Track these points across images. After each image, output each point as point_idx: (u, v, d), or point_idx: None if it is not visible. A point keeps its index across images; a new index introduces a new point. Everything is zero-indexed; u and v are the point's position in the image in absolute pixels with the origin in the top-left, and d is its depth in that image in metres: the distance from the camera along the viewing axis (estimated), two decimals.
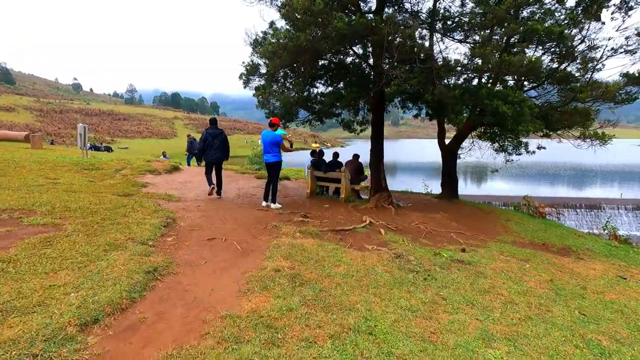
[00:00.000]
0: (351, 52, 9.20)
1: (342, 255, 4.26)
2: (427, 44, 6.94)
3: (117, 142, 57.09)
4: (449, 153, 10.07)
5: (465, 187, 24.52)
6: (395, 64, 6.42)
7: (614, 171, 34.87)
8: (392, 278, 3.62)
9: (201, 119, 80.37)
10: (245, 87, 9.37)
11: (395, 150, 60.98)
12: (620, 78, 8.41)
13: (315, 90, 9.98)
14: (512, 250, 5.27)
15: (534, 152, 10.61)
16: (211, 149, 7.93)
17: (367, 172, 9.73)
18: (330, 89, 10.19)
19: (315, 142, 75.61)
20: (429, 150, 61.03)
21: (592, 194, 23.61)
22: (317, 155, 9.79)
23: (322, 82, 10.11)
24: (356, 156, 9.40)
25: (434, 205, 9.17)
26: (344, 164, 9.27)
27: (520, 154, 10.47)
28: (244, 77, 9.08)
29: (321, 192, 9.48)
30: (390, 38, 6.11)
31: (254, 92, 9.09)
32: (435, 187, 14.06)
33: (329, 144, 79.80)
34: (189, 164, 16.28)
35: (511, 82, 8.89)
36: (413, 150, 62.54)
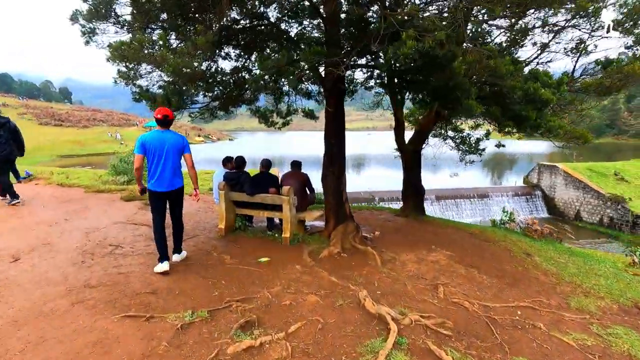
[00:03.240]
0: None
1: None
2: None
3: None
4: (412, 155, 7.52)
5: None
6: None
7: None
8: None
9: (45, 108, 63.27)
10: (87, 43, 4.94)
11: (286, 144, 58.47)
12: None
13: (215, 65, 6.18)
14: None
15: (484, 149, 8.96)
16: None
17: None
18: (236, 63, 6.58)
19: (199, 136, 67.28)
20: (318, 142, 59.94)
21: (463, 183, 24.83)
22: (232, 164, 6.00)
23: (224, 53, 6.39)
24: (297, 165, 5.92)
25: (408, 231, 6.48)
26: (279, 179, 5.75)
27: (478, 153, 8.65)
28: (82, 20, 4.67)
29: (243, 225, 5.78)
30: None
31: (107, 54, 4.70)
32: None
33: (213, 137, 72.28)
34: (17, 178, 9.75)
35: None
36: (303, 142, 60.96)
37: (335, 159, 5.40)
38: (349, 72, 6.36)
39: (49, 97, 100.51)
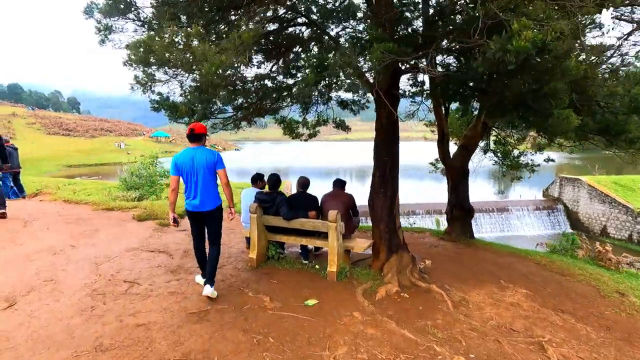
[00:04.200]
0: None
1: None
2: None
3: None
4: (459, 172, 6.70)
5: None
6: None
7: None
8: None
9: (53, 118, 63.39)
10: (102, 42, 4.25)
11: (292, 154, 57.78)
12: None
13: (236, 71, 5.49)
14: None
15: (538, 165, 8.14)
16: None
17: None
18: (259, 70, 5.92)
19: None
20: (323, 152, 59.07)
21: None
22: (264, 182, 5.22)
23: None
24: (340, 184, 5.10)
25: (462, 259, 5.63)
26: (319, 201, 4.94)
27: (529, 169, 7.84)
28: (98, 14, 3.98)
29: (276, 254, 4.96)
30: None
31: (124, 57, 3.98)
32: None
33: (219, 147, 71.77)
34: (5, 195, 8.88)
35: None
36: (308, 151, 60.26)
37: (387, 178, 4.60)
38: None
39: (57, 107, 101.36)
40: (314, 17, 5.27)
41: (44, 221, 6.25)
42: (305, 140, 7.59)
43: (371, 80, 4.44)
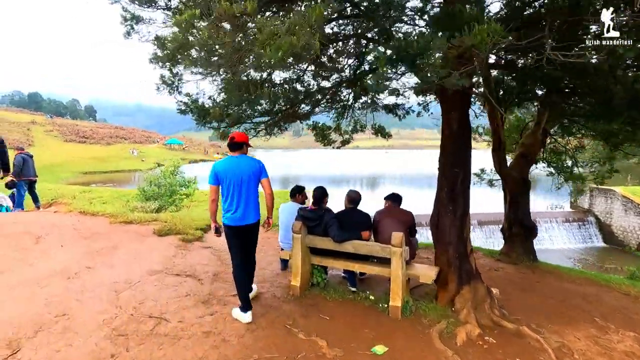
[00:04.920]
0: None
1: None
2: None
3: None
4: (519, 183, 5.91)
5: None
6: None
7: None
8: None
9: (71, 125, 64.27)
10: (128, 34, 3.70)
11: (303, 161, 57.28)
12: None
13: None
14: None
15: (608, 177, 7.31)
16: None
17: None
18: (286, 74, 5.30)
19: (218, 153, 66.58)
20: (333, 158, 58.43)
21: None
22: (303, 196, 4.54)
23: None
24: (397, 199, 4.34)
25: (533, 287, 4.82)
26: (372, 218, 4.22)
27: (592, 179, 7.02)
28: (124, 1, 3.41)
29: (322, 281, 4.25)
30: None
31: (152, 53, 3.38)
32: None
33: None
34: (19, 205, 8.21)
35: None
36: (316, 159, 59.78)
37: (458, 193, 3.86)
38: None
39: (75, 115, 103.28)
40: (360, 9, 4.63)
41: (58, 236, 5.68)
42: (338, 147, 6.96)
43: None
